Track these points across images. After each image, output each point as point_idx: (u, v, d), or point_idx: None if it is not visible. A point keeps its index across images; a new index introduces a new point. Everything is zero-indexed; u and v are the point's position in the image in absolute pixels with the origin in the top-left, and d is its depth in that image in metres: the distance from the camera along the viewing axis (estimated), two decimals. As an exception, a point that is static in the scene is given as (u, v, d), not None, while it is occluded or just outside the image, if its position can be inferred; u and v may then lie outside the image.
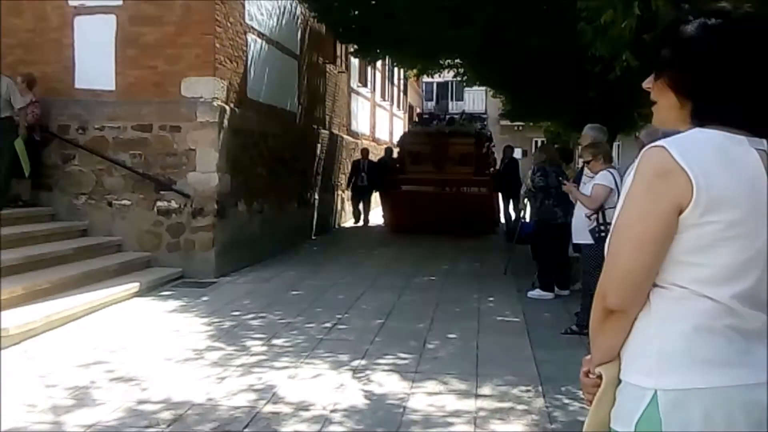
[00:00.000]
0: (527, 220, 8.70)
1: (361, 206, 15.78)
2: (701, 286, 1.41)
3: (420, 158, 14.34)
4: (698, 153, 1.39)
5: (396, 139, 19.88)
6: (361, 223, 15.77)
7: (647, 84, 1.57)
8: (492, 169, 15.16)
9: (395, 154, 16.57)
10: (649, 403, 1.39)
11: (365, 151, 15.87)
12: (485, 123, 16.53)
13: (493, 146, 16.01)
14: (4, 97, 7.90)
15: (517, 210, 13.22)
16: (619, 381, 1.48)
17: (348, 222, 16.28)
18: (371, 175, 15.13)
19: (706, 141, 1.41)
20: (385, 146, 17.84)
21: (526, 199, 8.65)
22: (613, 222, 1.52)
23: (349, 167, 15.90)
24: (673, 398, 1.38)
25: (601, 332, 1.50)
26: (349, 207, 16.45)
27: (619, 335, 1.47)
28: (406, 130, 16.69)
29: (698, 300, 1.41)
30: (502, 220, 14.41)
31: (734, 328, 1.40)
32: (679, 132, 1.49)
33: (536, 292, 7.71)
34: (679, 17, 1.50)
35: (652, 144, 1.43)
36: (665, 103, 1.53)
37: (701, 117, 1.46)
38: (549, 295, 7.61)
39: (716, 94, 1.44)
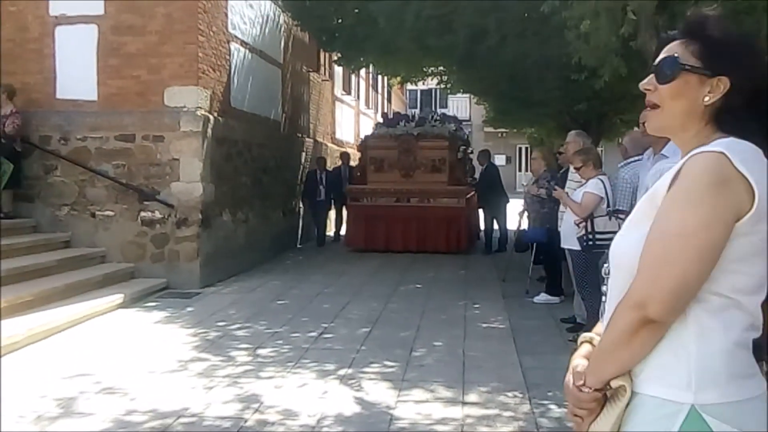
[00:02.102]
0: (524, 227, 8.58)
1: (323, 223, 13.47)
2: (741, 295, 1.38)
3: (384, 165, 12.24)
4: (752, 161, 1.37)
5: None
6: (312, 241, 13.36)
7: (647, 85, 1.52)
8: (470, 178, 13.15)
9: (354, 161, 14.29)
10: (686, 417, 1.35)
11: (322, 161, 13.71)
12: (461, 124, 14.09)
13: (471, 151, 13.94)
14: None
15: (502, 220, 12.26)
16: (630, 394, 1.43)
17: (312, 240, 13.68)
18: (330, 188, 13.17)
19: (751, 150, 1.39)
20: (341, 152, 15.49)
21: (525, 206, 8.49)
22: (637, 229, 1.46)
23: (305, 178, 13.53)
24: (712, 412, 1.35)
25: (628, 345, 1.40)
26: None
27: (649, 347, 1.40)
28: (369, 132, 14.07)
29: (737, 310, 1.39)
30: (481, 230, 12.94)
31: (752, 339, 1.41)
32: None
33: (543, 297, 7.74)
34: (702, 19, 1.47)
35: (704, 149, 1.38)
36: (676, 108, 1.48)
37: (726, 126, 1.44)
38: (556, 299, 7.64)
39: (743, 104, 1.42)
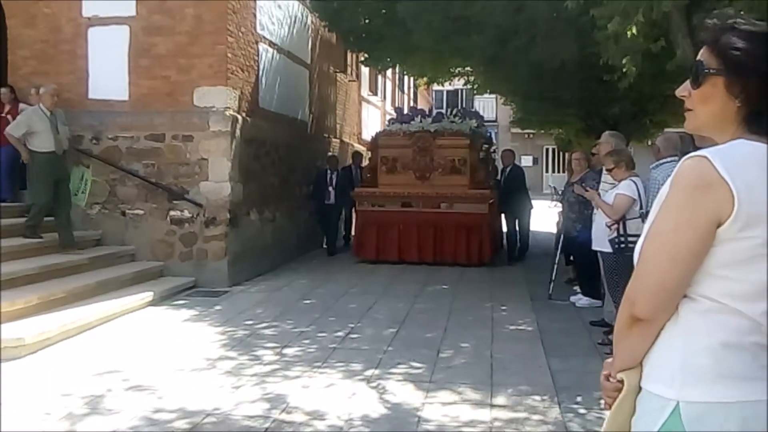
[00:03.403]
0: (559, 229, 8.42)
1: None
2: (733, 301, 1.39)
3: (397, 166, 10.85)
4: (742, 166, 1.37)
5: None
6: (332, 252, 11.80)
7: (682, 92, 1.54)
8: (493, 179, 11.63)
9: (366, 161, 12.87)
10: (671, 413, 1.40)
11: (333, 160, 12.32)
12: (483, 120, 12.35)
13: (493, 150, 12.48)
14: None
15: (525, 226, 11.15)
16: (640, 388, 1.49)
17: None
18: (341, 190, 11.71)
19: (750, 154, 1.39)
20: (353, 151, 14.36)
21: (560, 209, 8.30)
22: (645, 229, 1.51)
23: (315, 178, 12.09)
24: (696, 411, 1.38)
25: (625, 338, 1.50)
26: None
27: (644, 343, 1.47)
28: (381, 129, 12.33)
29: (728, 315, 1.40)
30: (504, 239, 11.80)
31: (760, 345, 1.40)
32: (710, 141, 1.48)
33: (586, 301, 7.61)
34: (724, 24, 1.47)
35: (694, 153, 1.41)
36: (707, 111, 1.50)
37: (750, 126, 1.44)
38: (598, 302, 7.50)
39: (765, 104, 1.42)
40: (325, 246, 12.16)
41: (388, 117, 17.08)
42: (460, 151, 10.72)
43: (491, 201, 10.67)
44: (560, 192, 8.38)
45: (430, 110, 12.72)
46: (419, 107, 16.30)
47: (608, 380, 1.54)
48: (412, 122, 11.23)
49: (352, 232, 12.10)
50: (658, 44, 6.22)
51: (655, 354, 1.46)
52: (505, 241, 11.72)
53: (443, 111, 12.21)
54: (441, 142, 10.73)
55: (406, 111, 12.70)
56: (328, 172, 11.92)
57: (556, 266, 8.26)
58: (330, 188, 11.77)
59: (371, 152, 11.70)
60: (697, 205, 1.37)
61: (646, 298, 1.43)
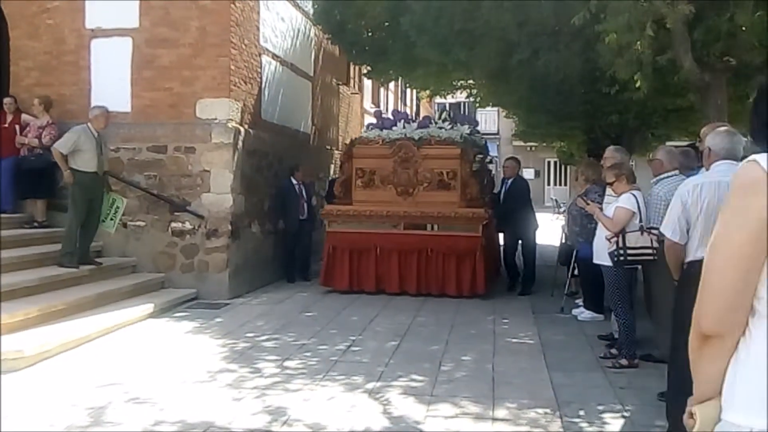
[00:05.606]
0: (565, 242, 8.38)
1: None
2: None
3: (375, 179, 9.30)
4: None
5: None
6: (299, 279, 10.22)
7: None
8: (489, 194, 10.14)
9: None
10: None
11: (307, 171, 10.59)
12: (477, 126, 10.72)
13: (490, 161, 11.03)
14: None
15: (530, 250, 9.49)
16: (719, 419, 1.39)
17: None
18: (313, 205, 10.29)
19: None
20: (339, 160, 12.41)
21: (565, 222, 8.23)
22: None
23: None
24: None
25: (698, 360, 1.41)
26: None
27: (717, 364, 1.38)
28: (356, 136, 10.78)
29: None
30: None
31: None
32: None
33: (588, 314, 7.58)
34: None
35: (748, 158, 1.40)
36: None
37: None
38: (600, 316, 7.48)
39: None
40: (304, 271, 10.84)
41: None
42: (449, 163, 9.13)
43: (486, 222, 9.04)
44: (563, 205, 8.39)
45: (416, 115, 11.45)
46: (401, 111, 13.80)
47: (691, 418, 1.43)
48: (394, 128, 9.57)
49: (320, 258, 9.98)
50: (664, 57, 6.23)
51: (728, 377, 1.37)
52: (503, 265, 9.98)
53: (430, 116, 10.74)
54: (427, 152, 9.14)
55: (389, 115, 11.04)
56: (295, 183, 10.16)
57: (569, 279, 8.22)
58: (303, 202, 10.20)
59: (344, 163, 9.87)
60: (747, 205, 1.33)
61: (709, 310, 1.36)
